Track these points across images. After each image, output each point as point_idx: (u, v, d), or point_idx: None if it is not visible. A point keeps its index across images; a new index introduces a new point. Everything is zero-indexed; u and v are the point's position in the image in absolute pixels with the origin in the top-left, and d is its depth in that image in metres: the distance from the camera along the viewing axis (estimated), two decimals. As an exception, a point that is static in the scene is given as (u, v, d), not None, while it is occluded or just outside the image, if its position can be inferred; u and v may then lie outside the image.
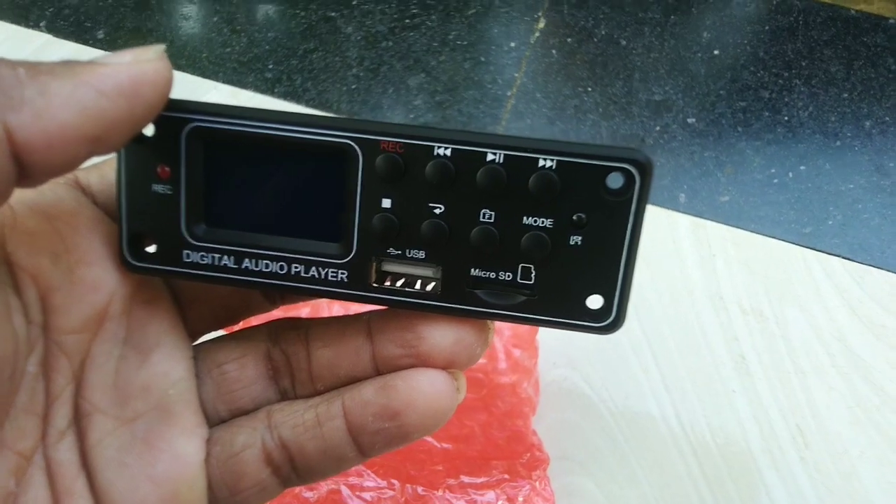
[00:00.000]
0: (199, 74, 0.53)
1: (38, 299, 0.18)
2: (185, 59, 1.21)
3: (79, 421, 0.19)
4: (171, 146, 0.18)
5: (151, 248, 0.19)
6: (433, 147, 0.18)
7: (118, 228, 0.19)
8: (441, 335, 0.19)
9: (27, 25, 1.04)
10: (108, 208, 0.20)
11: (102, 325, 0.19)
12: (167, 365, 0.20)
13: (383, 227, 0.18)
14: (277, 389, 0.21)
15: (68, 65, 0.15)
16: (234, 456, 0.20)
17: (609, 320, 0.19)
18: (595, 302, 0.19)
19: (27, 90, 0.15)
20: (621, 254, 0.18)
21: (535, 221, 0.18)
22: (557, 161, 0.18)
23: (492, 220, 0.18)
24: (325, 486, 0.34)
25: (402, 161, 0.18)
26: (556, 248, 0.18)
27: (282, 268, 0.19)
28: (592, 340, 0.40)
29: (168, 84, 0.17)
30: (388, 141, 0.18)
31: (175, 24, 1.27)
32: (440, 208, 0.18)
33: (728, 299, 0.42)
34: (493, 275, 0.19)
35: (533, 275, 0.19)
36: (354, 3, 1.29)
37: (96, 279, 0.19)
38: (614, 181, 0.18)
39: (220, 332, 0.23)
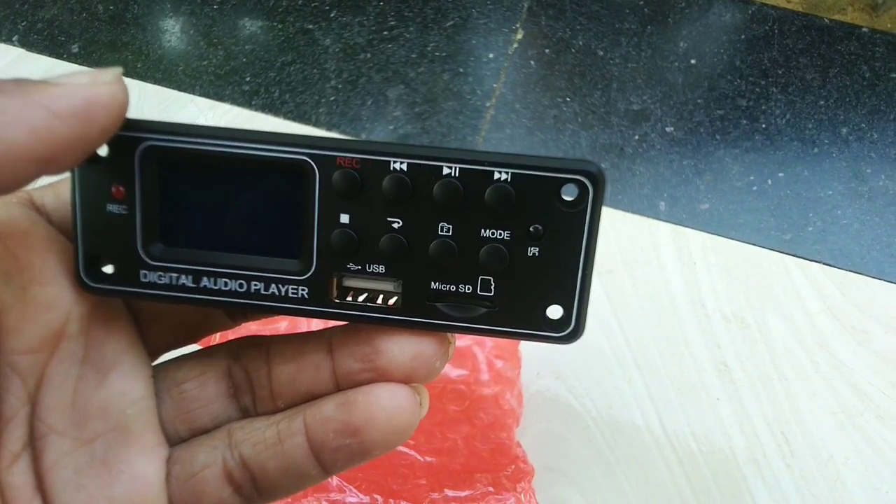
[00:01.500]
0: (175, 88, 0.52)
1: None
2: (162, 72, 1.20)
3: (34, 443, 0.19)
4: (125, 166, 0.18)
5: (109, 269, 0.19)
6: (389, 162, 0.18)
7: (74, 249, 0.19)
8: (399, 349, 0.19)
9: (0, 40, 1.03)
10: (64, 227, 0.20)
11: (59, 344, 0.19)
12: (126, 384, 0.20)
13: (342, 243, 0.19)
14: (238, 407, 0.21)
15: (20, 83, 0.15)
16: (195, 475, 0.20)
17: (569, 330, 0.19)
18: (555, 312, 0.19)
19: None
20: (578, 263, 0.18)
21: (493, 234, 0.18)
22: (512, 174, 0.18)
23: (450, 234, 0.18)
24: (306, 503, 0.33)
25: (359, 176, 0.18)
26: (515, 259, 0.18)
27: (241, 286, 0.19)
28: (576, 350, 0.40)
29: (123, 107, 0.17)
30: (344, 157, 0.18)
31: (151, 37, 1.26)
32: (398, 223, 0.18)
33: (710, 307, 0.42)
34: (452, 287, 0.19)
35: (492, 287, 0.19)
36: (332, 15, 1.29)
37: (51, 298, 0.19)
38: (569, 192, 0.18)
39: (183, 351, 0.23)
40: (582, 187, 0.18)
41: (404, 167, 0.18)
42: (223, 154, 0.18)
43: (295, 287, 0.19)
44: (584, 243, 0.18)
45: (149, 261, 0.19)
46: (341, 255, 0.19)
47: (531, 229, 0.18)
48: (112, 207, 0.19)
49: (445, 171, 0.18)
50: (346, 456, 0.19)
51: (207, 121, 0.51)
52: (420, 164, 0.18)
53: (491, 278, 0.19)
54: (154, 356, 0.21)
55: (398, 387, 0.19)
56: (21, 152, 0.15)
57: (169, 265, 0.19)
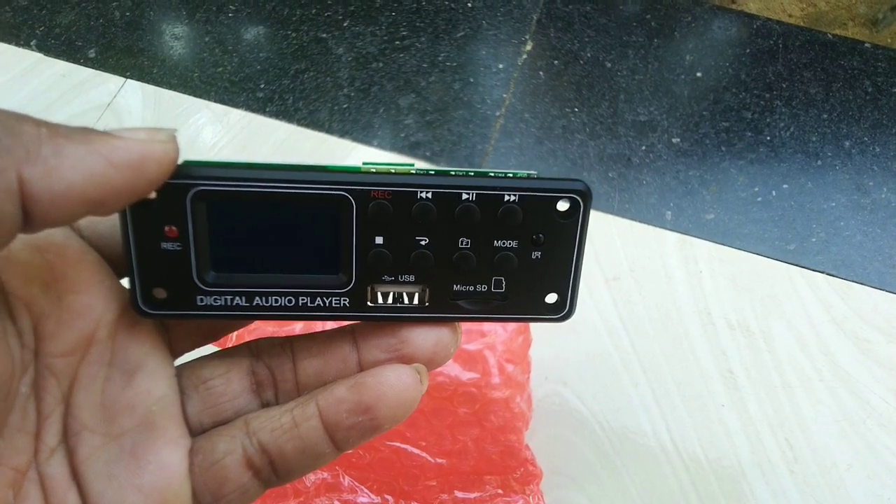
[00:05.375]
0: (190, 94, 0.53)
1: (30, 325, 0.19)
2: (177, 78, 1.21)
3: (68, 438, 0.20)
4: (177, 208, 0.20)
5: (163, 296, 0.21)
6: (416, 192, 0.21)
7: (130, 281, 0.20)
8: (423, 338, 0.22)
9: (18, 44, 1.04)
10: (93, 241, 0.21)
11: (89, 349, 0.20)
12: (150, 384, 0.21)
13: (377, 260, 0.21)
14: (260, 402, 0.23)
15: (86, 132, 0.17)
16: (216, 463, 0.21)
17: (563, 312, 0.23)
18: (552, 298, 0.23)
19: (44, 148, 0.16)
20: (572, 260, 0.22)
21: (504, 243, 0.22)
22: (519, 195, 0.21)
23: (468, 246, 0.22)
24: (318, 502, 0.34)
25: (391, 205, 0.21)
26: (522, 262, 0.22)
27: (290, 301, 0.21)
28: (583, 356, 0.41)
29: (172, 164, 0.18)
30: (378, 189, 0.20)
31: (166, 43, 1.28)
32: (425, 240, 0.21)
33: (715, 315, 0.42)
34: (471, 288, 0.22)
35: (504, 284, 0.22)
36: (345, 24, 1.30)
37: (84, 306, 0.20)
38: (563, 206, 0.21)
39: (203, 351, 0.24)
40: (573, 202, 0.21)
41: (429, 195, 0.21)
42: (268, 193, 0.20)
43: (338, 298, 0.22)
44: (576, 245, 0.22)
45: (203, 287, 0.21)
46: (377, 269, 0.21)
47: (535, 237, 0.22)
48: (166, 245, 0.20)
49: (464, 196, 0.21)
50: (359, 432, 0.21)
51: (222, 126, 0.51)
52: (443, 192, 0.21)
53: (503, 278, 0.22)
54: (178, 354, 0.23)
55: (402, 367, 0.21)
56: (77, 194, 0.16)
57: (223, 289, 0.21)
